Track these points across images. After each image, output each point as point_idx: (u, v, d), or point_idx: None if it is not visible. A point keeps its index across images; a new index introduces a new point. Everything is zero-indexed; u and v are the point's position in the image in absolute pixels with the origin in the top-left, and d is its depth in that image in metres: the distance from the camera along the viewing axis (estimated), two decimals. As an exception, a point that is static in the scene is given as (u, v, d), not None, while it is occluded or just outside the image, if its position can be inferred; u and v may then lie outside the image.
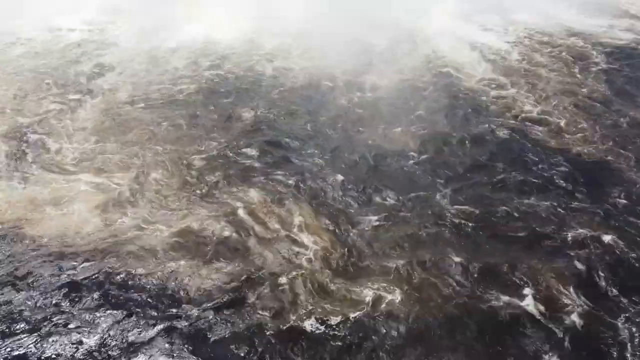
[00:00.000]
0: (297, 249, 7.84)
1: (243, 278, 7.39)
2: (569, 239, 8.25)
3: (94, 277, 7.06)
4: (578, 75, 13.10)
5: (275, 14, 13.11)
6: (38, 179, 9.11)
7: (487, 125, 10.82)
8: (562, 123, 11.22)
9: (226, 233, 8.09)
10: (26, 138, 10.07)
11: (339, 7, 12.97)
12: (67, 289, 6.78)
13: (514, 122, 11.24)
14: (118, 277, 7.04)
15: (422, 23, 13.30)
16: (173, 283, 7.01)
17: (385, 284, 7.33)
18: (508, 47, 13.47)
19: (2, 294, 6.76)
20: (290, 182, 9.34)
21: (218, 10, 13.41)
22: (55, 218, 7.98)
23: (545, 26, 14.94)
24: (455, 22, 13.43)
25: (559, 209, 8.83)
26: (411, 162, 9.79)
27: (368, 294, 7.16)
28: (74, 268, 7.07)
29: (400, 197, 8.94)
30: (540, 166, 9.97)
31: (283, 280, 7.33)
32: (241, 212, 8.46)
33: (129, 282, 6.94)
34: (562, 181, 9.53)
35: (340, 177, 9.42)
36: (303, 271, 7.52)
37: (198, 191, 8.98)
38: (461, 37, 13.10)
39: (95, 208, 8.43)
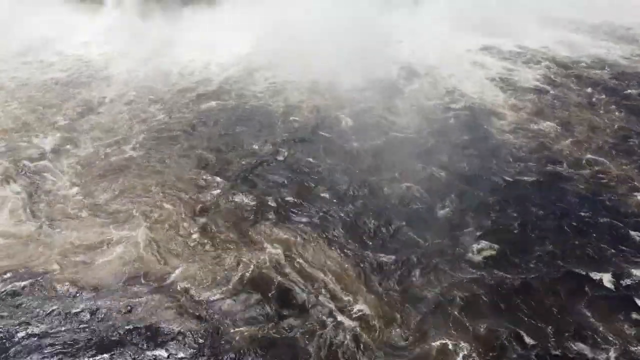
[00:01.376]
0: (333, 305, 7.13)
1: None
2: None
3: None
4: (609, 111, 11.59)
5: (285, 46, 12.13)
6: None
7: (517, 167, 9.66)
8: (600, 165, 10.02)
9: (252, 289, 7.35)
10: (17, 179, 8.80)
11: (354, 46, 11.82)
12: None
13: (546, 163, 10.01)
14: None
15: (436, 56, 12.55)
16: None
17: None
18: (530, 77, 12.11)
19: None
20: (312, 225, 8.30)
21: (218, 34, 12.86)
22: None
23: (569, 55, 13.60)
24: (471, 52, 13.00)
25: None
26: (437, 206, 8.86)
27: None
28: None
29: (430, 243, 8.13)
30: (581, 212, 8.99)
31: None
32: (267, 264, 7.60)
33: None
34: (605, 226, 8.54)
35: (366, 222, 8.38)
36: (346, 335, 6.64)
37: (206, 243, 7.92)
38: (480, 67, 12.36)
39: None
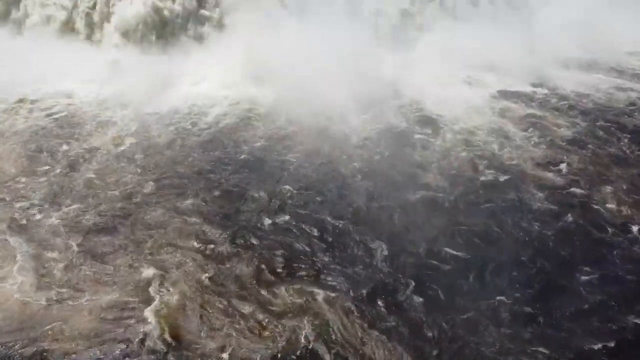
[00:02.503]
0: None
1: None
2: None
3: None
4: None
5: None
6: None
7: (562, 237, 8.35)
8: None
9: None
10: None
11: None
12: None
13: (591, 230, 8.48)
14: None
15: (452, 104, 11.47)
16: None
17: None
18: (562, 125, 10.86)
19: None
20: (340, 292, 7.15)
21: (216, 73, 12.14)
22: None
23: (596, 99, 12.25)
24: (491, 98, 11.83)
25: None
26: (474, 275, 7.73)
27: None
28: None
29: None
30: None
31: None
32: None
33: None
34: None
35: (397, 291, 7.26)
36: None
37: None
38: (504, 116, 11.14)
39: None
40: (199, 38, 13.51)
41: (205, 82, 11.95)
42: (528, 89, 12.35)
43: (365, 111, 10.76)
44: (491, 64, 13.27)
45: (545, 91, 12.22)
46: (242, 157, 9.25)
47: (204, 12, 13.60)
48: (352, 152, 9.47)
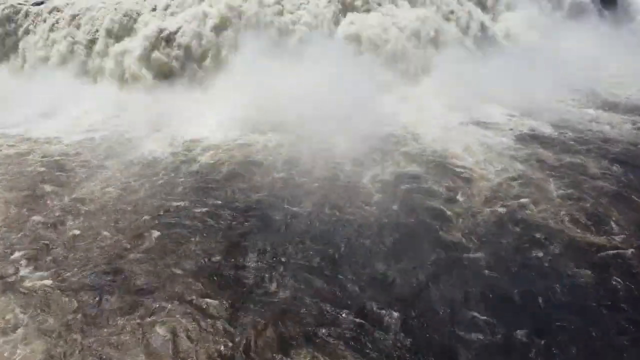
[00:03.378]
0: None
1: None
2: None
3: None
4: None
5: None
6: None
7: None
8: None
9: None
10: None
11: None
12: None
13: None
14: None
15: (465, 149, 10.48)
16: None
17: None
18: (593, 168, 9.80)
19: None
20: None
21: (217, 115, 11.54)
22: None
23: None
24: (512, 140, 10.86)
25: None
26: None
27: None
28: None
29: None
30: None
31: None
32: None
33: None
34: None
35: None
36: None
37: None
38: (528, 161, 10.05)
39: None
40: (198, 79, 13.05)
41: (203, 124, 11.27)
42: (548, 130, 11.27)
43: (376, 157, 9.80)
44: (503, 100, 12.45)
45: (570, 133, 11.13)
46: (243, 207, 8.27)
47: (203, 53, 13.19)
48: (364, 204, 8.35)
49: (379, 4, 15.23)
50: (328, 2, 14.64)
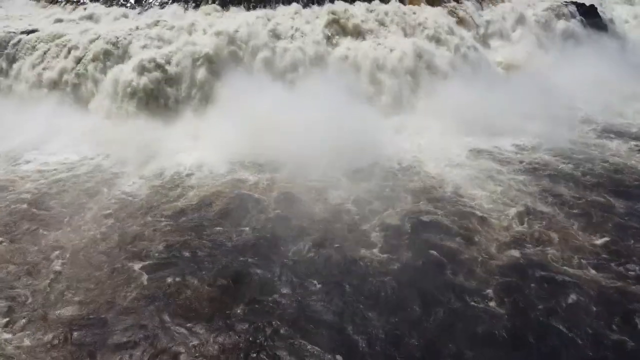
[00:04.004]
0: None
1: None
2: None
3: None
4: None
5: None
6: None
7: None
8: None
9: None
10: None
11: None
12: None
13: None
14: None
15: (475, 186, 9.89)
16: None
17: None
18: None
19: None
20: None
21: (208, 148, 11.20)
22: None
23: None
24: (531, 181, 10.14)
25: None
26: None
27: None
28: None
29: None
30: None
31: None
32: None
33: None
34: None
35: None
36: None
37: None
38: (549, 201, 9.33)
39: None
40: (188, 110, 12.70)
41: (192, 158, 10.92)
42: (557, 161, 10.92)
43: (379, 193, 9.26)
44: (505, 129, 12.14)
45: (581, 164, 10.72)
46: (235, 249, 7.71)
47: (194, 83, 12.84)
48: (367, 246, 7.74)
49: (372, 32, 15.08)
50: (321, 30, 14.45)
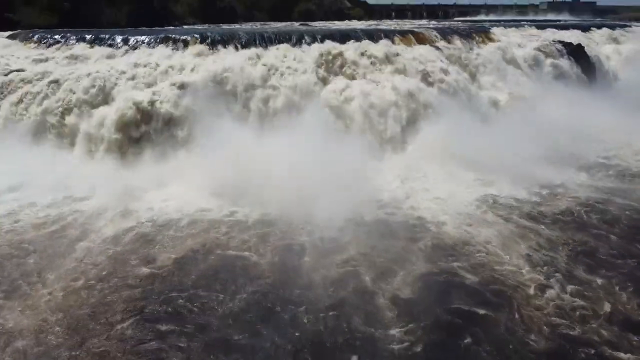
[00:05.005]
0: None
1: None
2: None
3: None
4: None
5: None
6: None
7: None
8: None
9: None
10: None
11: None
12: None
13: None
14: None
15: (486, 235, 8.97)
16: None
17: None
18: None
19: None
20: None
21: (193, 189, 10.66)
22: None
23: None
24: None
25: None
26: None
27: None
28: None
29: None
30: None
31: None
32: None
33: None
34: None
35: None
36: None
37: None
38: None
39: None
40: (173, 150, 12.25)
41: (176, 200, 10.39)
42: (570, 207, 10.01)
43: (386, 253, 8.14)
44: (505, 172, 11.53)
45: (613, 215, 9.75)
46: (223, 314, 6.81)
47: (180, 123, 12.43)
48: (380, 321, 6.48)
49: (363, 71, 14.91)
50: (312, 70, 14.24)
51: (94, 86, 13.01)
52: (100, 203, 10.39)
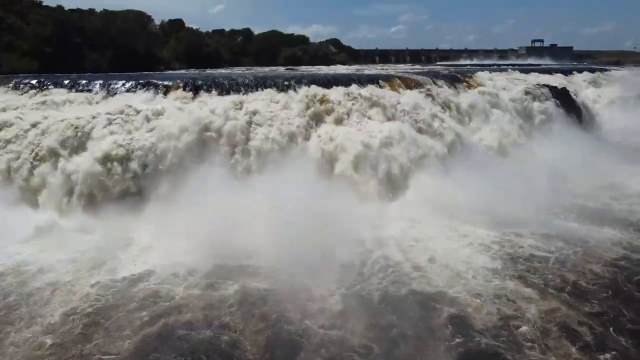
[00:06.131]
0: None
1: None
2: None
3: None
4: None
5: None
6: None
7: None
8: None
9: None
10: None
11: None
12: None
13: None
14: None
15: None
16: None
17: None
18: None
19: None
20: None
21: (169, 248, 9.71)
22: None
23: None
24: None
25: None
26: None
27: None
28: None
29: None
30: None
31: None
32: None
33: None
34: None
35: None
36: None
37: None
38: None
39: None
40: (152, 203, 11.46)
41: (154, 261, 9.47)
42: (601, 269, 8.87)
43: (396, 335, 6.88)
44: (515, 222, 10.81)
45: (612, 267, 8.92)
46: None
47: (161, 173, 11.73)
48: None
49: (351, 116, 14.50)
50: (298, 116, 13.78)
51: (67, 134, 12.31)
52: (71, 265, 9.42)
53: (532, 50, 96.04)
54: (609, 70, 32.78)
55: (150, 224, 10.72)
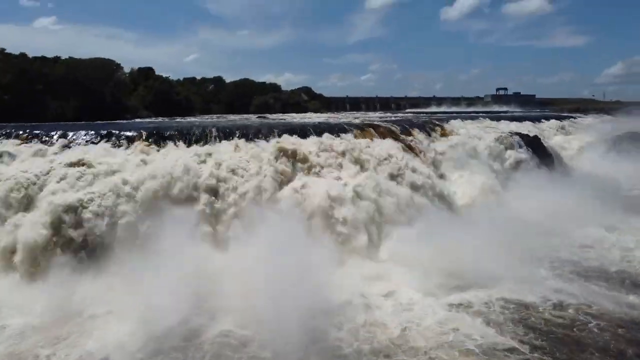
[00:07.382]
0: None
1: None
2: None
3: None
4: None
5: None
6: None
7: None
8: None
9: None
10: None
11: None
12: None
13: None
14: None
15: None
16: None
17: None
18: None
19: None
20: None
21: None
22: None
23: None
24: None
25: None
26: None
27: None
28: None
29: None
30: None
31: None
32: None
33: None
34: None
35: None
36: None
37: None
38: None
39: None
40: (113, 262, 10.37)
41: (115, 330, 8.53)
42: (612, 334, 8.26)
43: None
44: (478, 279, 10.24)
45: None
46: None
47: (122, 230, 10.73)
48: None
49: (325, 167, 13.90)
50: (269, 167, 13.07)
51: (15, 189, 11.26)
52: (22, 337, 8.33)
53: (497, 98, 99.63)
54: (575, 118, 33.66)
55: (108, 287, 9.68)
